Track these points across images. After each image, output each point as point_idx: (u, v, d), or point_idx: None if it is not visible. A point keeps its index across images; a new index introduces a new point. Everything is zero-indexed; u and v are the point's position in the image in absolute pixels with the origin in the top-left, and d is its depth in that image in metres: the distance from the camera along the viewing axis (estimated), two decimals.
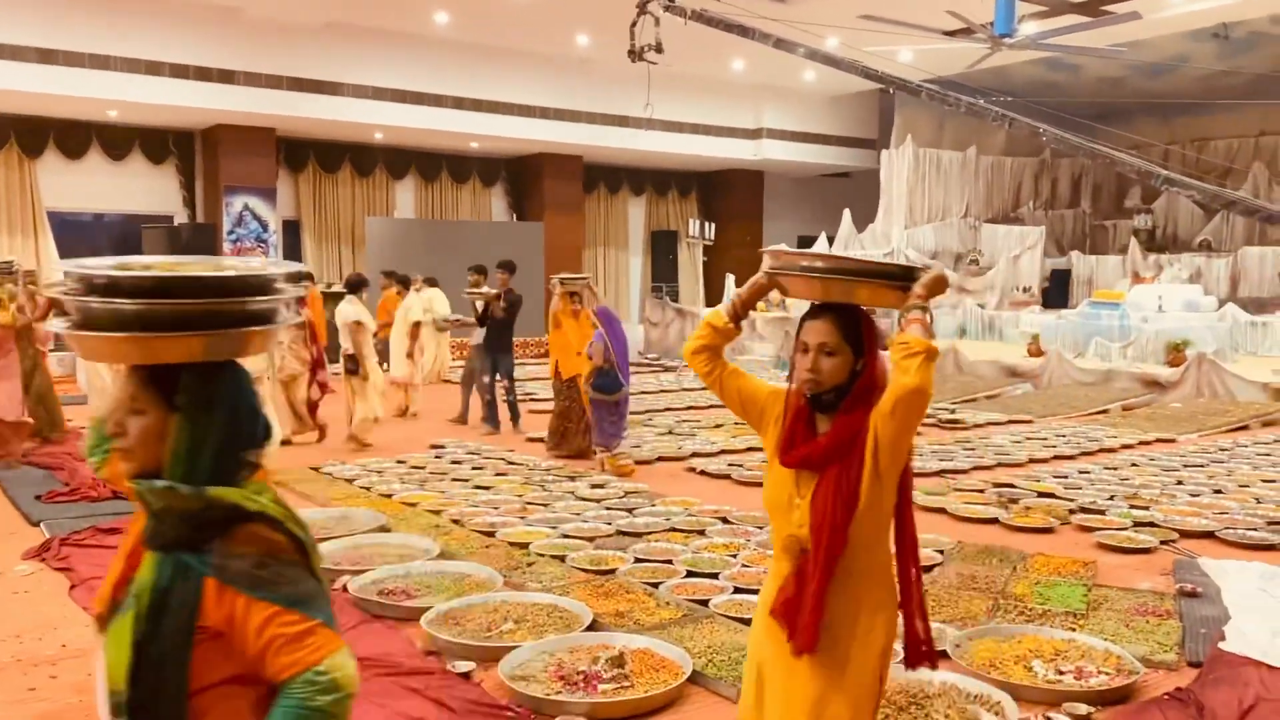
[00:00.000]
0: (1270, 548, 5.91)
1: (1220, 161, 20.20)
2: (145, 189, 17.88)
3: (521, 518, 6.52)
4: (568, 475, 7.99)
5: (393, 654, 4.11)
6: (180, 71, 15.75)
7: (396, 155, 20.18)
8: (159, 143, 17.87)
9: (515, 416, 10.32)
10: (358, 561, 5.40)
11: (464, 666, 4.00)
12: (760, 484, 7.63)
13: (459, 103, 18.36)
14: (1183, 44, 17.11)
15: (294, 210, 19.31)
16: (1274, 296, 17.29)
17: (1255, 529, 6.23)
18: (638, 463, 8.66)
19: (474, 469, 8.23)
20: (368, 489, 7.41)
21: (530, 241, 20.17)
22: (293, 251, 19.12)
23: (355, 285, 9.74)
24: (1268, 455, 8.96)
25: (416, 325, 11.60)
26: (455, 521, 6.41)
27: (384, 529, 6.16)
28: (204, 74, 15.97)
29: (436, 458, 8.72)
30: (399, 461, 8.50)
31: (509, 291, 10.06)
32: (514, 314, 10.11)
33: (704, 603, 4.79)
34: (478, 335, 11.07)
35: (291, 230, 19.26)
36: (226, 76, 16.17)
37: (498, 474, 8.01)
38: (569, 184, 21.57)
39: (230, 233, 17.54)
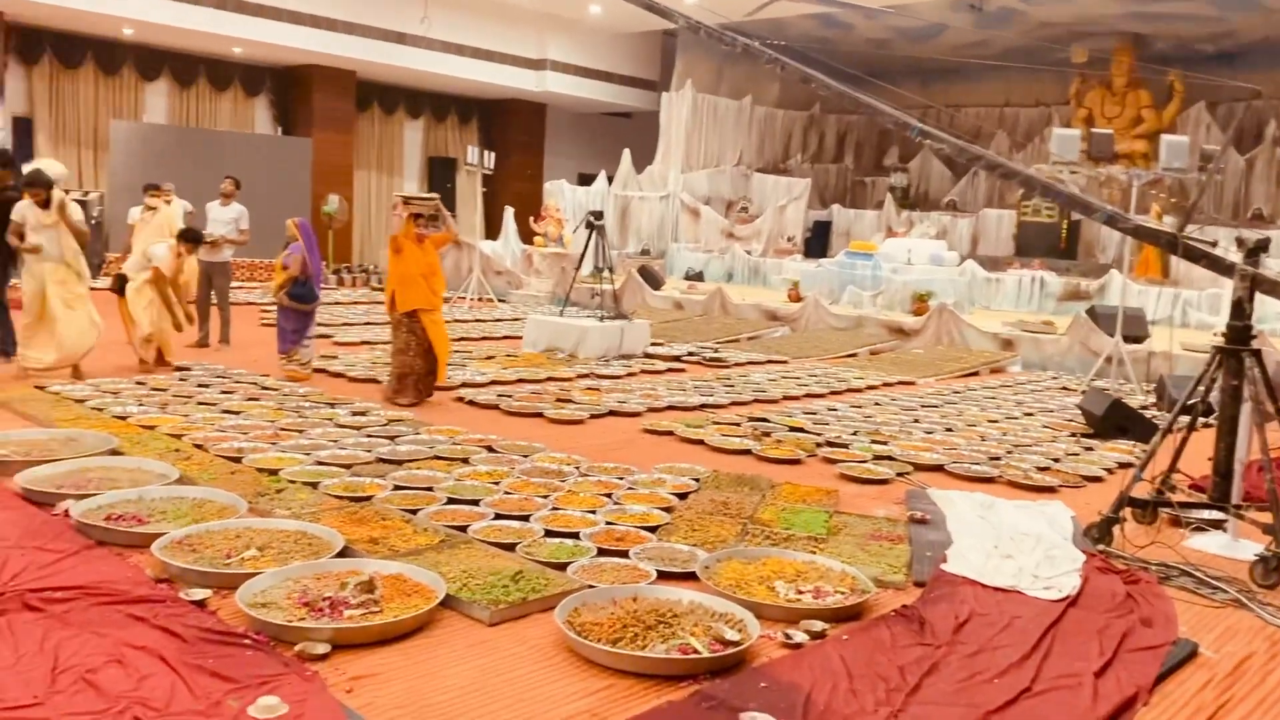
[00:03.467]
0: (990, 480, 6.46)
1: (972, 124, 21.67)
2: None
3: (273, 443, 6.20)
4: (327, 401, 7.68)
5: (117, 582, 3.80)
6: None
7: (148, 55, 18.51)
8: None
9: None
10: (83, 486, 4.97)
11: (199, 594, 3.75)
12: (529, 414, 7.57)
13: (221, 2, 16.99)
14: (942, 13, 18.17)
15: (26, 106, 17.40)
16: (1007, 255, 18.86)
17: (979, 463, 6.79)
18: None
19: (223, 393, 7.75)
20: (100, 410, 6.83)
21: (297, 158, 19.11)
22: (24, 152, 17.22)
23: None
24: (994, 398, 9.78)
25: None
26: (198, 446, 6.01)
27: (116, 452, 5.69)
28: None
29: (181, 380, 8.16)
30: (138, 383, 7.88)
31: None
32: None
33: (463, 529, 4.72)
34: (225, 253, 10.40)
35: (23, 128, 17.36)
36: None
37: (249, 398, 7.59)
38: (341, 100, 20.52)
39: None
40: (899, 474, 6.42)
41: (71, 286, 7.87)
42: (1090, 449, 7.54)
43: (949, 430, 8.02)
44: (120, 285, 8.75)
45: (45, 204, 7.71)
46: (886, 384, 10.42)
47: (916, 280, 15.37)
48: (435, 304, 7.99)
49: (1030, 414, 9.00)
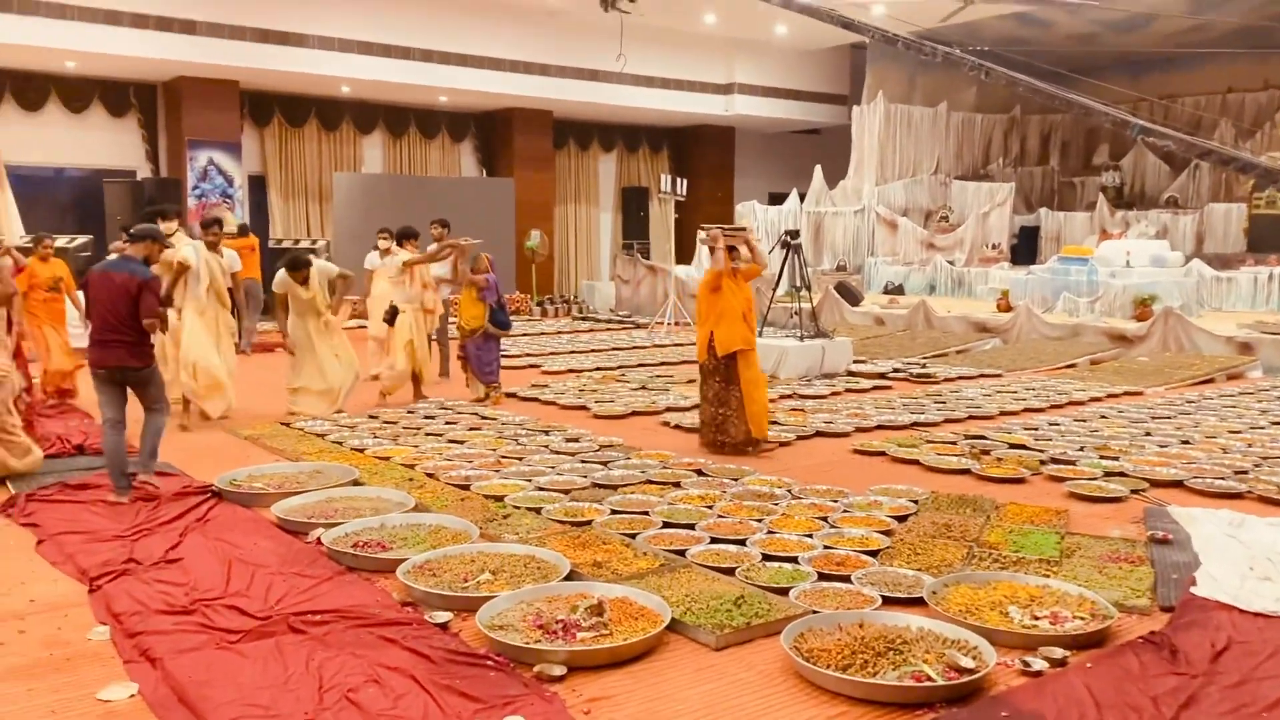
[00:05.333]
0: (1237, 496, 5.99)
1: (1190, 113, 20.25)
2: (106, 142, 17.45)
3: (496, 471, 6.48)
4: (542, 429, 7.96)
5: (368, 605, 4.07)
6: (140, 21, 15.33)
7: (364, 109, 19.82)
8: (120, 95, 17.43)
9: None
10: (330, 515, 5.35)
11: (441, 617, 3.97)
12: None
13: (427, 55, 18.03)
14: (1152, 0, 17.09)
15: (260, 165, 18.96)
16: (1238, 252, 17.47)
17: (1223, 478, 6.31)
18: (612, 417, 8.69)
19: (447, 424, 8.17)
20: (339, 444, 7.34)
21: (501, 197, 19.95)
22: (259, 208, 18.81)
23: (402, 236, 9.84)
24: (1233, 407, 9.07)
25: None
26: (429, 475, 6.37)
27: (357, 483, 6.10)
28: (165, 24, 15.55)
29: (409, 412, 8.66)
30: (371, 417, 8.42)
31: None
32: None
33: (681, 553, 4.79)
34: (443, 292, 10.91)
35: (257, 186, 18.92)
36: (188, 27, 15.76)
37: (471, 428, 7.97)
38: (539, 139, 21.30)
39: (195, 188, 17.21)
40: (1133, 491, 6.05)
41: (329, 337, 8.47)
42: None
43: (1185, 443, 7.50)
44: (392, 316, 9.36)
45: (304, 281, 8.27)
46: (1111, 395, 9.85)
47: (1137, 284, 14.45)
48: (754, 343, 7.25)
49: (1278, 423, 8.29)
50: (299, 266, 8.28)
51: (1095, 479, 6.30)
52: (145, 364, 5.87)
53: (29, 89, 16.56)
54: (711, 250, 7.28)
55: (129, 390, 5.91)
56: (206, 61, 16.10)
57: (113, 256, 6.74)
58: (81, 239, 14.78)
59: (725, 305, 7.08)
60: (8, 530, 5.33)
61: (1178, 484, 6.26)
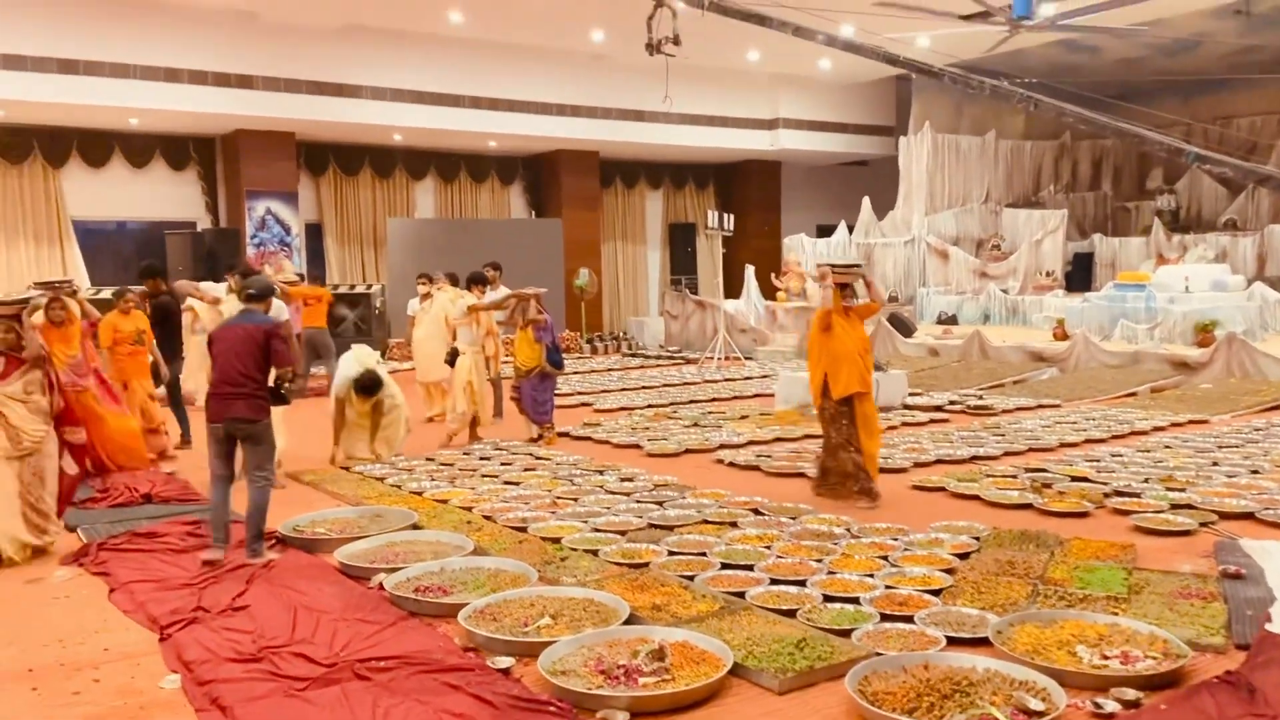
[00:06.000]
0: None
1: (1244, 138, 19.90)
2: (168, 196, 17.97)
3: (552, 512, 6.52)
4: (596, 469, 7.98)
5: (431, 651, 4.11)
6: (199, 78, 15.82)
7: (416, 156, 20.21)
8: (180, 149, 17.96)
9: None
10: (391, 560, 5.41)
11: (503, 662, 3.99)
12: (791, 474, 7.32)
13: (476, 102, 18.36)
14: (1203, 22, 16.86)
15: (316, 213, 19.38)
16: None
17: None
18: (665, 455, 8.69)
19: (502, 465, 8.23)
20: (398, 487, 7.43)
21: (550, 238, 20.19)
22: (316, 254, 19.22)
23: (472, 281, 9.95)
24: None
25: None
26: (487, 518, 6.42)
27: (416, 527, 6.17)
28: (223, 80, 16.03)
29: (465, 454, 8.74)
30: (428, 459, 8.51)
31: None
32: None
33: (740, 594, 4.76)
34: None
35: (314, 233, 19.34)
36: (245, 81, 16.23)
37: (526, 469, 8.02)
38: (586, 180, 21.54)
39: (254, 237, 17.63)
40: (1202, 524, 5.92)
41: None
42: None
43: (1255, 473, 7.32)
44: (453, 357, 9.49)
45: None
46: (1175, 424, 9.65)
47: (1197, 309, 14.18)
48: (870, 385, 6.87)
49: None
50: (372, 391, 8.39)
51: (1162, 512, 6.17)
52: (259, 417, 5.68)
53: (94, 147, 17.14)
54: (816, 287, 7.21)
55: (239, 446, 5.76)
56: (263, 114, 16.57)
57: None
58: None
59: (839, 346, 6.73)
60: (81, 580, 5.47)
61: (1248, 516, 6.10)
